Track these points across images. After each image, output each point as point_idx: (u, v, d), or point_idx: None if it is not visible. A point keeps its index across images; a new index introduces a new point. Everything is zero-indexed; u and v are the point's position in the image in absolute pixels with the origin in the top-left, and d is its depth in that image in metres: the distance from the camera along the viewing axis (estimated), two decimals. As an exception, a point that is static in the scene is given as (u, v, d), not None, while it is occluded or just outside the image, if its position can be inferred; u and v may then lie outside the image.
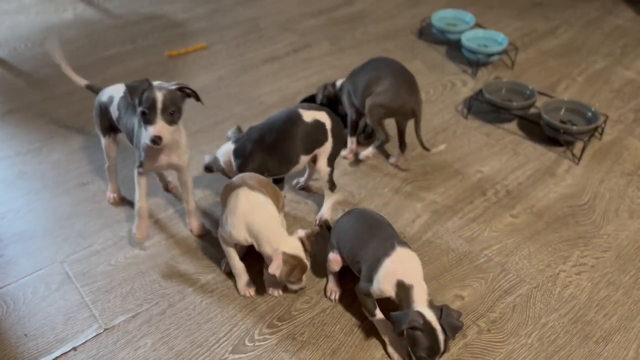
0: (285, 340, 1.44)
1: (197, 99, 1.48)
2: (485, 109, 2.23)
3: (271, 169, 1.65)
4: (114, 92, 1.64)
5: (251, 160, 1.63)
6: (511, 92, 2.24)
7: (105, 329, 1.45)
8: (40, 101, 2.31)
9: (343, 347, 1.42)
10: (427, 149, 1.87)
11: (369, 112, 1.80)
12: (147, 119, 1.39)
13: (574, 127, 1.98)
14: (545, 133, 2.07)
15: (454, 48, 2.65)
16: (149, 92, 1.39)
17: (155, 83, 1.44)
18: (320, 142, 1.65)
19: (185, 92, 1.45)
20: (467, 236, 1.72)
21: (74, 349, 1.41)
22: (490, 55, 2.43)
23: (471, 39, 2.52)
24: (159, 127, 1.38)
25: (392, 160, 1.98)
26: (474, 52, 2.43)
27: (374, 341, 1.43)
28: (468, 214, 1.80)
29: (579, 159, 2.00)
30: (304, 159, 1.65)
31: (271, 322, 1.48)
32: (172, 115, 1.40)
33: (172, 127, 1.42)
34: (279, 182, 1.78)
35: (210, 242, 1.69)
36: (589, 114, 2.07)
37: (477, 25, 2.69)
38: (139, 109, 1.40)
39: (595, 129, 2.01)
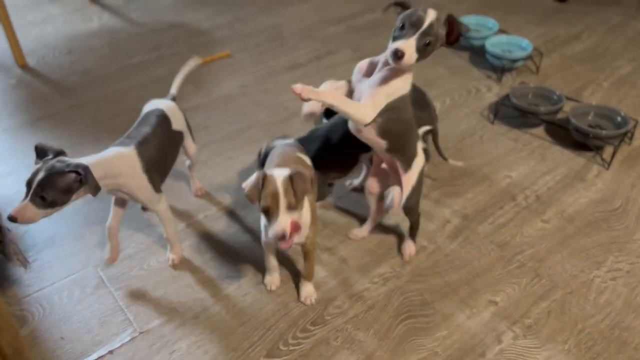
0: (319, 345, 1.43)
1: (95, 190, 1.31)
2: (512, 114, 2.22)
3: (335, 168, 1.67)
4: (146, 107, 1.64)
5: (318, 162, 1.61)
6: (538, 97, 2.23)
7: (140, 333, 1.46)
8: (68, 108, 2.34)
9: (377, 352, 1.41)
10: (445, 159, 1.88)
11: None
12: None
13: (603, 132, 1.97)
14: (574, 138, 2.06)
15: (477, 54, 2.65)
16: (38, 166, 1.29)
17: (61, 160, 1.31)
18: None
19: (78, 175, 1.29)
20: (498, 241, 1.71)
21: (110, 352, 1.42)
22: (514, 60, 2.43)
23: (495, 44, 2.52)
24: (20, 207, 1.27)
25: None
26: (499, 57, 2.43)
27: (408, 346, 1.43)
28: (498, 219, 1.79)
29: (609, 163, 1.98)
30: (365, 156, 1.68)
31: (304, 327, 1.47)
32: (44, 200, 1.27)
33: (44, 210, 1.29)
34: (329, 185, 1.78)
35: (243, 246, 1.70)
36: (619, 118, 2.06)
37: (501, 31, 2.69)
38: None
39: (625, 133, 1.99)
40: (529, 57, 2.47)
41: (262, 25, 2.96)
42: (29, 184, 1.28)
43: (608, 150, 2.04)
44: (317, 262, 1.65)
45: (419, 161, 1.52)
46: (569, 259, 1.66)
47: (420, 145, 1.54)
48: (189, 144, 1.73)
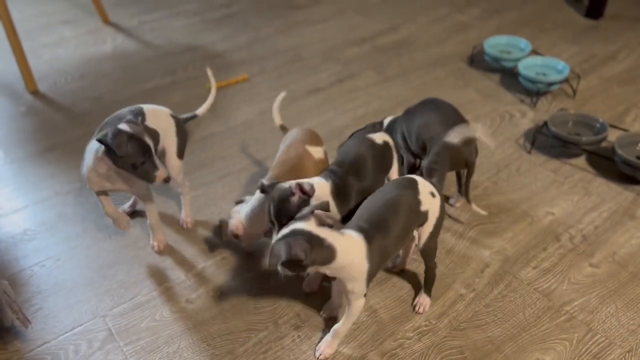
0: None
1: None
2: (550, 142, 2.07)
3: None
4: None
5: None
6: (579, 125, 2.07)
7: (152, 396, 1.33)
8: (80, 137, 2.23)
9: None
10: (468, 201, 1.71)
11: (426, 174, 1.67)
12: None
13: (655, 165, 1.81)
14: (620, 170, 1.90)
15: (508, 76, 2.50)
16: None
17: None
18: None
19: None
20: (543, 289, 1.56)
21: (118, 419, 1.29)
22: (550, 84, 2.27)
23: (529, 67, 2.37)
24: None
25: (451, 201, 1.83)
26: (533, 81, 2.28)
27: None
28: (542, 263, 1.63)
29: (661, 199, 1.82)
30: None
31: (332, 390, 1.33)
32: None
33: None
34: None
35: (264, 294, 1.56)
36: (670, 149, 1.90)
37: (534, 52, 2.54)
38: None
39: (679, 166, 1.83)
40: (566, 80, 2.32)
41: (281, 47, 2.84)
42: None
43: (659, 184, 1.88)
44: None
45: (432, 212, 1.37)
46: (624, 310, 1.49)
47: (427, 192, 1.37)
48: (169, 157, 1.65)
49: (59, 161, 2.11)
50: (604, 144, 2.00)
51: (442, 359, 1.39)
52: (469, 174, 1.68)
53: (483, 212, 1.73)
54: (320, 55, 2.76)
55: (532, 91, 2.32)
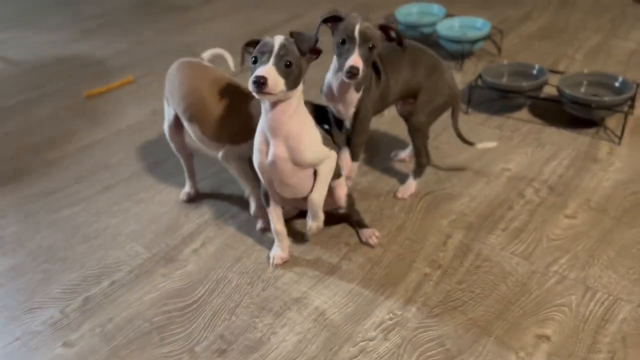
0: None
1: None
2: (487, 98, 1.84)
3: None
4: None
5: None
6: (515, 75, 1.86)
7: None
8: None
9: None
10: (470, 143, 1.46)
11: (419, 130, 1.38)
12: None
13: (606, 99, 1.60)
14: (570, 113, 1.69)
15: (429, 43, 2.28)
16: None
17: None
18: None
19: None
20: (520, 252, 1.27)
21: None
22: (474, 42, 2.07)
23: (448, 28, 2.16)
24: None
25: (402, 154, 1.57)
26: (457, 41, 2.06)
27: None
28: (512, 223, 1.35)
29: (620, 137, 1.61)
30: None
31: None
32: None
33: None
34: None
35: (169, 318, 1.15)
36: (617, 84, 1.71)
37: (449, 16, 2.35)
38: None
39: (633, 97, 1.64)
40: (488, 37, 2.12)
41: (170, 47, 2.48)
42: None
43: (612, 123, 1.68)
44: (284, 323, 1.13)
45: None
46: (618, 259, 1.23)
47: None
48: None
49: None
50: (546, 90, 1.80)
51: (420, 356, 1.04)
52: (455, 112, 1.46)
53: (491, 144, 1.48)
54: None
55: (457, 52, 2.10)
